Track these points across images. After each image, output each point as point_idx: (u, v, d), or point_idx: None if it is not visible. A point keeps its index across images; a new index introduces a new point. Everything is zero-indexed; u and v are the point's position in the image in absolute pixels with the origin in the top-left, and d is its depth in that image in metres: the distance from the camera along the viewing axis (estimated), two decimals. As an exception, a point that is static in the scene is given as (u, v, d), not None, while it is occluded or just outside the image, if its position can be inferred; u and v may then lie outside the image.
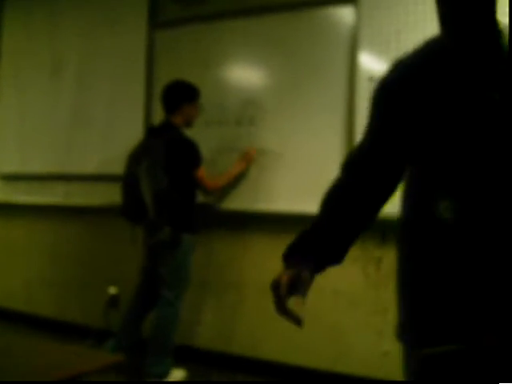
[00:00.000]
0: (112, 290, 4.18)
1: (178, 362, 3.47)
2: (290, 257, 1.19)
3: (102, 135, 4.28)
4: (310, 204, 3.11)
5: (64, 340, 4.16)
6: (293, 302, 1.13)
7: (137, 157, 3.39)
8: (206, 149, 3.53)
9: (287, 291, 1.13)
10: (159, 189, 3.24)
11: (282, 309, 1.12)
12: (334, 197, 1.24)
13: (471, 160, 1.07)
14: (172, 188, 3.26)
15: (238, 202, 3.65)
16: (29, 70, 4.75)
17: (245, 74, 3.80)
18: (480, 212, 1.05)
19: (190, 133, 3.45)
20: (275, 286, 1.13)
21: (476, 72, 1.11)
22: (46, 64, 4.62)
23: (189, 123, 3.48)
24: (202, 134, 3.60)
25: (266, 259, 3.56)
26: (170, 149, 3.30)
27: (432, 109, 1.13)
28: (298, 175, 3.48)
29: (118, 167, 3.57)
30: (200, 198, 3.52)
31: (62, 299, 4.54)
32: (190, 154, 3.37)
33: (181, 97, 3.45)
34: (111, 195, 3.77)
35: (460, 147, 1.09)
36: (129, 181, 3.38)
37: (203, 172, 3.39)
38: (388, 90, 1.22)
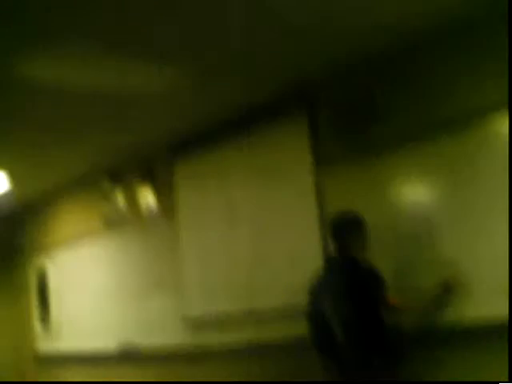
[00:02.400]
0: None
1: None
2: None
3: (281, 272, 4.50)
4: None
5: None
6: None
7: (319, 292, 3.49)
8: (386, 272, 3.50)
9: None
10: (348, 323, 3.29)
11: None
12: None
13: None
14: (361, 319, 3.28)
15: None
16: (204, 219, 5.18)
17: (415, 196, 3.89)
18: None
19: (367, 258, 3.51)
20: None
21: None
22: (220, 212, 5.03)
23: (361, 251, 3.53)
24: (378, 259, 3.58)
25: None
26: (351, 280, 3.37)
27: None
28: (485, 278, 3.44)
29: (300, 301, 3.66)
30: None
31: None
32: (372, 282, 3.39)
33: (347, 228, 3.55)
34: (299, 329, 3.79)
35: None
36: (315, 317, 3.49)
37: (391, 298, 3.39)
38: None
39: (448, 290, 3.53)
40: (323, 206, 4.27)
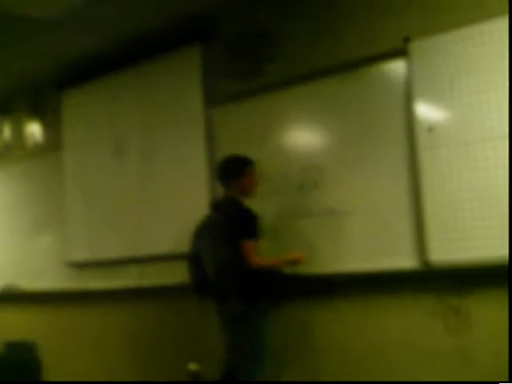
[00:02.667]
0: (192, 367, 4.14)
1: None
2: None
3: (168, 215, 4.37)
4: (383, 261, 3.30)
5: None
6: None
7: (200, 233, 3.50)
8: (270, 217, 3.51)
9: None
10: (221, 263, 3.31)
11: None
12: None
13: None
14: (236, 260, 3.25)
15: (315, 265, 3.58)
16: (92, 157, 4.91)
17: (305, 140, 3.81)
18: None
19: (253, 203, 3.45)
20: None
21: None
22: (108, 150, 4.77)
23: (247, 194, 3.49)
24: (265, 203, 3.60)
25: (349, 322, 3.57)
26: (228, 222, 3.34)
27: None
28: (368, 233, 3.45)
29: (186, 245, 3.60)
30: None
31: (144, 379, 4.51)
32: (243, 225, 3.33)
33: (234, 171, 3.48)
34: (183, 273, 3.68)
35: None
36: (194, 257, 3.48)
37: (250, 245, 3.28)
38: None
39: (292, 264, 3.45)
40: (213, 147, 4.15)
